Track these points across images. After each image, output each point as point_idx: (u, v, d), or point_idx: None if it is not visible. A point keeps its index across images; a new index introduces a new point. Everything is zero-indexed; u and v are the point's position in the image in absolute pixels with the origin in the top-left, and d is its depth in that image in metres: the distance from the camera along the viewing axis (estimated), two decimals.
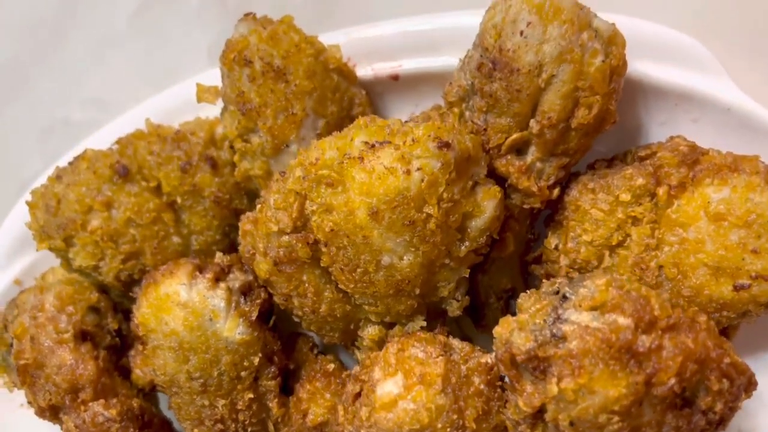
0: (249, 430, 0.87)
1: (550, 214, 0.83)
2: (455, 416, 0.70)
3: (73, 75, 1.16)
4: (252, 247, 0.80)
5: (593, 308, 0.64)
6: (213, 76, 0.88)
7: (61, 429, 0.88)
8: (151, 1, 1.10)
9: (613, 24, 0.73)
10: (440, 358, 0.72)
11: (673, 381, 0.61)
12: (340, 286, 0.77)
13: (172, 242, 0.92)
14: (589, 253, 0.78)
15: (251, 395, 0.84)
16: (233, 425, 0.86)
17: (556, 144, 0.76)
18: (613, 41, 0.73)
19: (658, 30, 0.80)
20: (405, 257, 0.73)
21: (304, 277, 0.78)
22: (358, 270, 0.74)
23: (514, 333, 0.66)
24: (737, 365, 0.65)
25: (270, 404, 0.85)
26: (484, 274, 0.86)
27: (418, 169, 0.69)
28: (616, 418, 0.61)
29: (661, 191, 0.75)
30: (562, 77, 0.72)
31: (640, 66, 0.80)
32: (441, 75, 0.87)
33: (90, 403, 0.85)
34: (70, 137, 1.14)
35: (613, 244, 0.77)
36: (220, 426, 0.86)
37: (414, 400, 0.70)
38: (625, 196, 0.76)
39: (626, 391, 0.60)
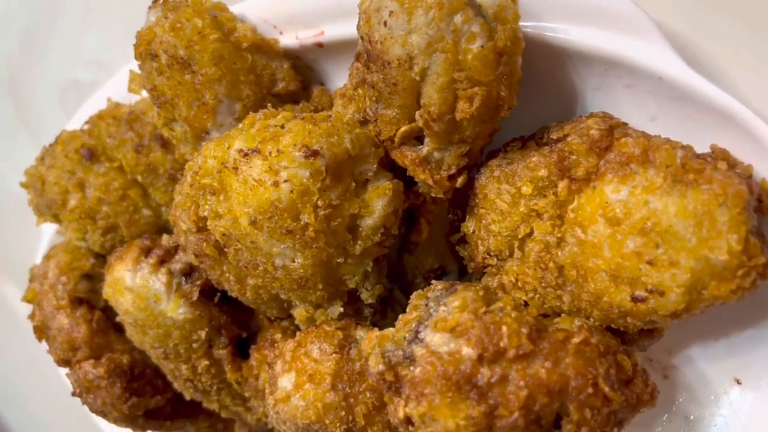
0: (214, 387, 0.96)
1: (467, 197, 0.77)
2: (343, 413, 0.73)
3: (74, 39, 1.21)
4: (179, 239, 0.85)
5: (446, 331, 0.62)
6: None
7: None
8: None
9: None
10: (333, 356, 0.74)
11: (516, 414, 0.59)
12: (251, 280, 0.79)
13: (143, 215, 0.99)
14: (499, 243, 0.73)
15: (207, 362, 0.92)
16: (200, 384, 0.95)
17: (449, 134, 0.69)
18: (500, 17, 0.63)
19: None
20: (295, 260, 0.73)
21: (224, 268, 0.81)
22: (260, 268, 0.76)
23: (373, 350, 0.66)
24: (606, 394, 0.60)
25: (225, 369, 0.93)
26: (410, 254, 0.84)
27: (286, 180, 0.68)
28: None
29: (561, 186, 0.67)
30: (435, 69, 0.64)
31: (560, 29, 0.69)
32: None
33: (83, 363, 0.98)
34: (83, 94, 1.23)
35: (521, 236, 0.71)
36: (189, 384, 0.96)
37: (303, 398, 0.73)
38: (527, 189, 0.69)
39: (465, 423, 0.59)
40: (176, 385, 1.00)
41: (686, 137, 0.67)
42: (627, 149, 0.64)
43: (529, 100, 0.74)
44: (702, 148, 0.66)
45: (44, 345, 1.15)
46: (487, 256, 0.75)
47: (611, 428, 0.62)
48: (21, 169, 1.13)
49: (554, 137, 0.70)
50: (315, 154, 0.67)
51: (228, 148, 0.71)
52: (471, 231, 0.77)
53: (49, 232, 1.27)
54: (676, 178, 0.61)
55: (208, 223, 0.75)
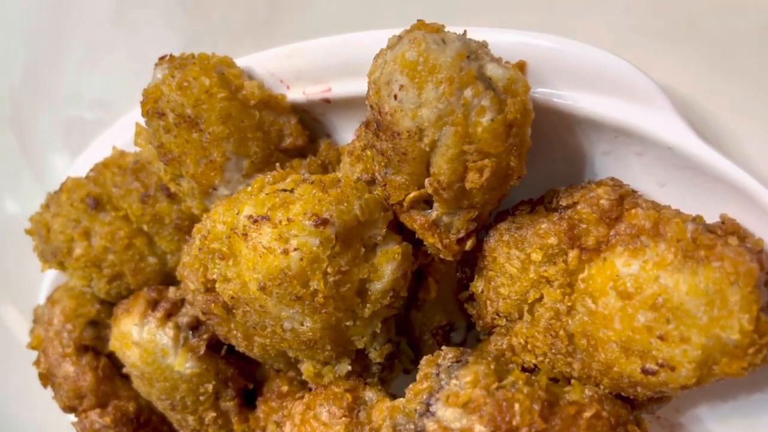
0: None
1: (475, 258, 0.77)
2: None
3: (78, 76, 1.21)
4: (187, 296, 0.85)
5: (458, 406, 0.62)
6: None
7: None
8: (124, 6, 1.10)
9: (511, 69, 0.63)
10: (342, 419, 0.74)
11: None
12: (259, 339, 0.79)
13: (149, 263, 0.99)
14: (508, 306, 0.73)
15: (214, 413, 0.92)
16: None
17: (459, 200, 0.69)
18: (510, 90, 0.63)
19: (589, 54, 0.67)
20: (304, 323, 0.73)
21: (231, 326, 0.81)
22: (268, 330, 0.76)
23: (384, 422, 0.66)
24: None
25: (232, 420, 0.93)
26: (417, 311, 0.84)
27: (296, 249, 0.68)
28: None
29: (571, 255, 0.67)
30: (445, 141, 0.64)
31: (568, 96, 0.69)
32: None
33: (89, 412, 0.98)
34: (87, 133, 1.23)
35: (530, 300, 0.71)
36: None
37: None
38: (536, 256, 0.69)
39: None
40: None
41: (696, 205, 0.67)
42: (637, 221, 0.64)
43: (537, 162, 0.74)
44: (712, 216, 0.66)
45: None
46: (496, 317, 0.75)
47: None
48: (23, 199, 1.13)
49: (563, 204, 0.70)
50: (325, 222, 0.67)
51: (237, 214, 0.71)
52: (480, 291, 0.77)
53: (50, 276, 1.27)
54: (687, 254, 0.61)
55: (217, 285, 0.75)
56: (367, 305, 0.73)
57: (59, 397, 1.01)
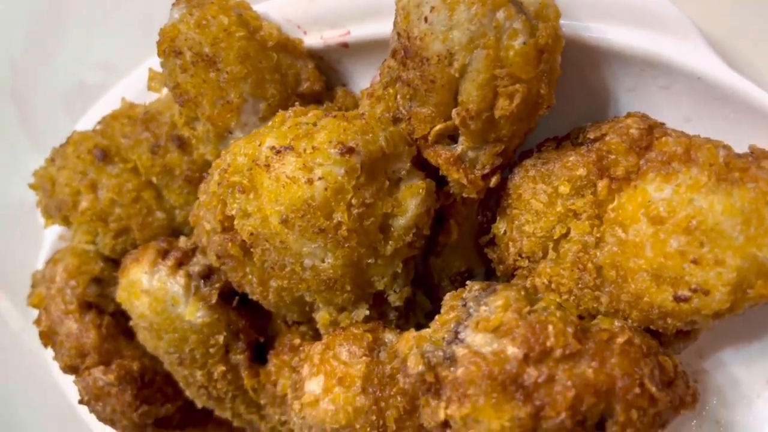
0: (229, 394, 0.93)
1: (499, 197, 0.77)
2: (374, 417, 0.71)
3: (81, 41, 1.19)
4: (200, 239, 0.83)
5: (489, 331, 0.61)
6: None
7: None
8: None
9: None
10: (363, 358, 0.72)
11: (564, 415, 0.57)
12: (275, 282, 0.77)
13: (157, 217, 0.97)
14: (532, 245, 0.72)
15: (223, 367, 0.90)
16: (214, 391, 0.93)
17: (486, 132, 0.68)
18: (541, 15, 0.63)
19: None
20: (325, 260, 0.71)
21: (247, 269, 0.80)
22: (287, 269, 0.74)
23: (411, 351, 0.64)
24: (652, 394, 0.59)
25: (242, 374, 0.91)
26: (437, 257, 0.82)
27: (320, 178, 0.66)
28: None
29: (601, 185, 0.66)
30: (476, 66, 0.63)
31: (595, 28, 0.69)
32: None
33: (92, 369, 0.95)
34: (89, 99, 1.21)
35: (556, 237, 0.70)
36: (203, 390, 0.94)
37: (333, 402, 0.71)
38: (564, 188, 0.68)
39: (510, 425, 0.58)
40: (188, 393, 0.97)
41: (722, 138, 0.66)
42: (668, 148, 0.64)
43: (561, 102, 0.74)
44: (739, 149, 0.65)
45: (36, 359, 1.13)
46: (519, 258, 0.74)
47: (655, 430, 0.61)
48: (21, 177, 1.10)
49: (591, 137, 0.69)
50: (351, 151, 0.66)
51: (259, 145, 0.70)
52: (502, 232, 0.76)
53: (50, 240, 1.24)
54: (721, 177, 0.60)
55: (236, 222, 0.73)
56: (390, 242, 0.72)
57: (60, 356, 0.98)
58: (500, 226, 0.76)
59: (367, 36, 0.81)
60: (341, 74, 0.89)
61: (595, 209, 0.67)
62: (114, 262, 1.03)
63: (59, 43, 1.23)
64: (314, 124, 0.69)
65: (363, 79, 0.88)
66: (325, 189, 0.67)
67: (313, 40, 0.85)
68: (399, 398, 0.72)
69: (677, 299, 0.62)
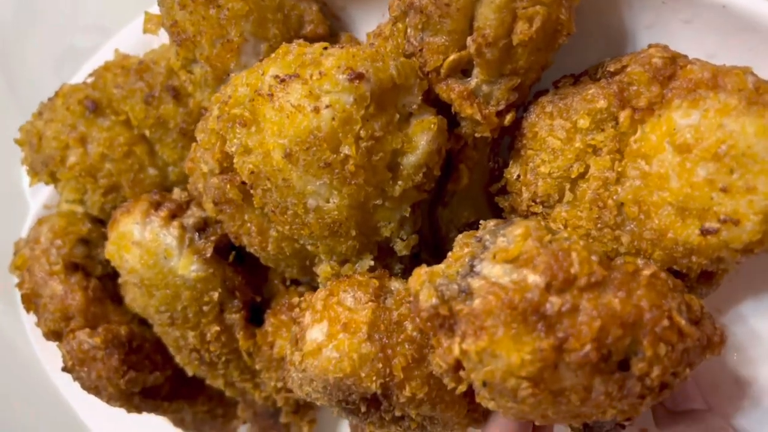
0: (223, 358, 0.89)
1: (512, 139, 0.73)
2: (381, 365, 0.67)
3: (72, 3, 1.15)
4: (196, 186, 0.79)
5: (507, 261, 0.57)
6: None
7: None
8: None
9: None
10: (369, 304, 0.68)
11: (589, 347, 0.54)
12: (275, 230, 0.73)
13: (149, 174, 0.92)
14: (548, 186, 0.68)
15: (217, 327, 0.85)
16: (207, 354, 0.88)
17: (502, 63, 0.65)
18: None
19: None
20: (330, 200, 0.67)
21: (246, 217, 0.76)
22: (289, 212, 0.70)
23: (423, 286, 0.60)
24: (681, 328, 0.56)
25: (237, 336, 0.86)
26: (444, 207, 0.79)
27: (328, 106, 0.63)
28: (525, 384, 0.55)
29: (623, 116, 0.63)
30: None
31: None
32: None
33: (77, 332, 0.90)
34: (81, 62, 1.16)
35: (574, 176, 0.67)
36: (195, 354, 0.89)
37: (337, 349, 0.67)
38: (584, 122, 0.65)
39: (531, 357, 0.54)
40: (179, 359, 0.92)
41: None
42: (694, 75, 0.61)
43: (576, 42, 0.71)
44: None
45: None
46: (533, 204, 0.71)
47: (683, 369, 0.57)
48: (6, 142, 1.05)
49: (611, 69, 0.66)
50: (360, 77, 0.63)
51: (262, 74, 0.66)
52: (515, 177, 0.72)
53: (34, 213, 1.19)
54: (752, 100, 0.57)
55: (235, 160, 0.69)
56: (399, 182, 0.68)
57: (43, 320, 0.93)
58: (513, 171, 0.72)
59: None
60: (345, 22, 0.86)
61: (616, 143, 0.64)
62: (102, 224, 0.98)
63: (49, 6, 1.19)
64: (321, 54, 0.66)
65: (368, 27, 0.85)
66: (333, 119, 0.63)
67: None
68: (407, 345, 0.68)
69: (704, 232, 0.59)
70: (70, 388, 1.16)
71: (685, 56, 0.64)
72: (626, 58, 0.65)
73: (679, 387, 0.59)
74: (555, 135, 0.67)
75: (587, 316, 0.54)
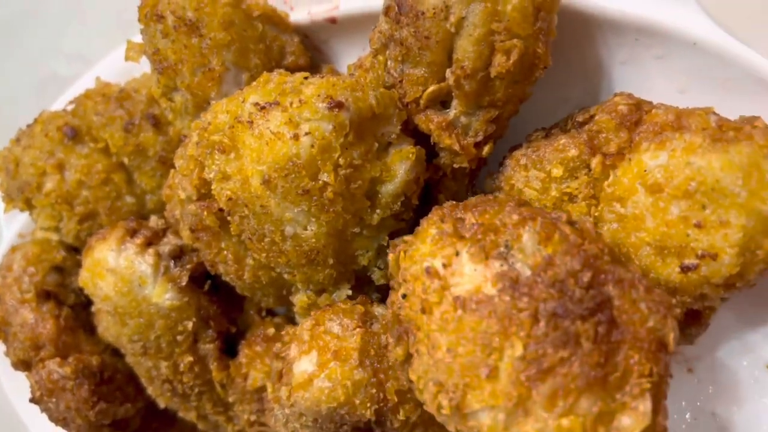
0: (196, 390, 0.87)
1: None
2: (374, 390, 0.66)
3: (55, 30, 1.16)
4: (173, 214, 0.78)
5: None
6: None
7: None
8: None
9: None
10: (357, 330, 0.68)
11: None
12: (252, 258, 0.73)
13: (126, 202, 0.92)
14: None
15: (191, 358, 0.84)
16: (180, 386, 0.86)
17: (480, 95, 0.66)
18: None
19: None
20: (308, 227, 0.67)
21: (223, 244, 0.75)
22: (266, 239, 0.70)
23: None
24: None
25: (210, 366, 0.85)
26: None
27: (307, 133, 0.63)
28: None
29: (595, 162, 0.64)
30: (473, 20, 0.61)
31: None
32: None
33: (47, 361, 0.88)
34: (62, 89, 1.16)
35: None
36: (168, 386, 0.87)
37: (329, 378, 0.66)
38: (557, 171, 0.66)
39: None
40: (151, 390, 0.90)
41: (718, 108, 0.65)
42: (659, 118, 0.62)
43: (554, 76, 0.72)
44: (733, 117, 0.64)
45: None
46: None
47: None
48: None
49: (580, 120, 0.68)
50: (340, 106, 0.63)
51: (243, 102, 0.66)
52: None
53: (8, 241, 1.17)
54: (715, 138, 0.59)
55: (213, 186, 0.69)
56: (377, 210, 0.68)
57: (12, 349, 0.91)
58: None
59: (356, 9, 0.80)
60: (327, 55, 0.87)
61: (590, 189, 0.65)
62: (77, 251, 0.97)
63: (31, 34, 1.20)
64: (301, 83, 0.66)
65: (349, 60, 0.86)
66: (312, 146, 0.63)
67: (299, 15, 0.83)
68: (398, 369, 0.67)
69: (684, 269, 0.59)
70: (37, 420, 1.13)
71: (650, 102, 0.66)
72: (593, 109, 0.67)
73: None
74: (531, 186, 0.68)
75: None
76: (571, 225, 0.55)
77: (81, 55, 1.16)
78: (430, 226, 0.59)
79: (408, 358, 0.60)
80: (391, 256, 0.64)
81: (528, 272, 0.51)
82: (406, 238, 0.63)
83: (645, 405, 0.47)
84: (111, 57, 1.03)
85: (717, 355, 0.75)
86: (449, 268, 0.54)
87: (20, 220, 1.14)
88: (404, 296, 0.58)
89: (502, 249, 0.53)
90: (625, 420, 0.47)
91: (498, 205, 0.57)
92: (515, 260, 0.52)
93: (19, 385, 1.11)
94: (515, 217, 0.55)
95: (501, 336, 0.49)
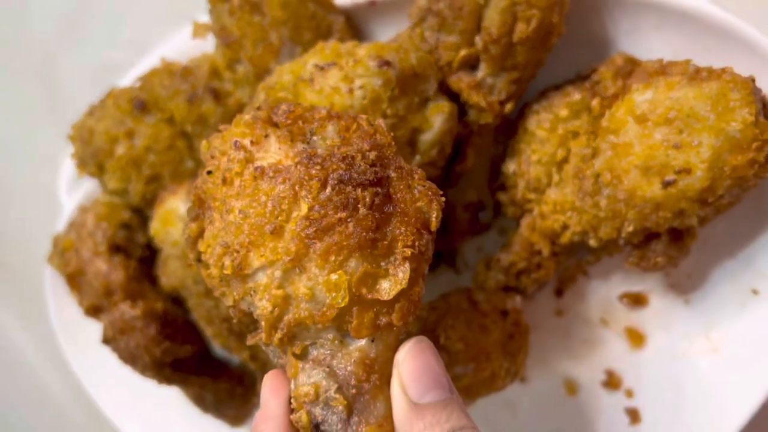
0: (251, 328, 0.99)
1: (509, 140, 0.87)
2: None
3: (112, 19, 1.29)
4: None
5: None
6: None
7: None
8: None
9: None
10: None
11: None
12: None
13: (187, 167, 1.04)
14: (539, 172, 0.82)
15: None
16: (237, 325, 0.98)
17: (504, 59, 0.79)
18: None
19: None
20: None
21: None
22: None
23: None
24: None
25: None
26: (451, 187, 0.91)
27: (360, 87, 0.75)
28: None
29: (594, 103, 0.77)
30: None
31: None
32: None
33: (119, 304, 1.00)
34: (116, 77, 1.29)
35: (558, 159, 0.81)
36: (225, 324, 0.99)
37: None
38: (564, 112, 0.79)
39: None
40: (209, 331, 1.02)
41: None
42: (648, 68, 0.76)
43: (566, 46, 0.85)
44: None
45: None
46: (527, 192, 0.84)
47: None
48: (40, 162, 1.15)
49: (584, 74, 0.81)
50: (388, 64, 0.76)
51: (304, 64, 0.79)
52: (511, 171, 0.86)
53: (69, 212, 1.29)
54: (692, 77, 0.72)
55: None
56: (417, 156, 0.80)
57: (86, 296, 1.03)
58: (510, 167, 0.86)
59: None
60: (366, 34, 1.00)
61: (590, 125, 0.78)
62: (140, 213, 1.10)
63: (89, 21, 1.32)
64: (355, 46, 0.79)
65: (386, 38, 0.98)
66: (364, 98, 0.75)
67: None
68: None
69: (665, 185, 0.71)
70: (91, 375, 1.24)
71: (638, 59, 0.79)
72: (596, 65, 0.80)
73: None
74: (541, 126, 0.81)
75: None
76: (370, 124, 0.62)
77: (135, 43, 1.28)
78: (246, 113, 0.63)
79: (201, 233, 0.62)
80: (203, 142, 0.66)
81: (325, 151, 0.57)
82: (222, 126, 0.65)
83: (404, 272, 0.53)
84: (171, 41, 1.16)
85: (709, 283, 0.87)
86: (256, 146, 0.59)
87: (80, 192, 1.26)
88: (209, 172, 0.61)
89: (307, 135, 0.59)
90: (385, 284, 0.53)
91: (311, 107, 0.63)
92: (316, 144, 0.59)
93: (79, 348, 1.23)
94: (323, 112, 0.62)
95: (291, 199, 0.54)
